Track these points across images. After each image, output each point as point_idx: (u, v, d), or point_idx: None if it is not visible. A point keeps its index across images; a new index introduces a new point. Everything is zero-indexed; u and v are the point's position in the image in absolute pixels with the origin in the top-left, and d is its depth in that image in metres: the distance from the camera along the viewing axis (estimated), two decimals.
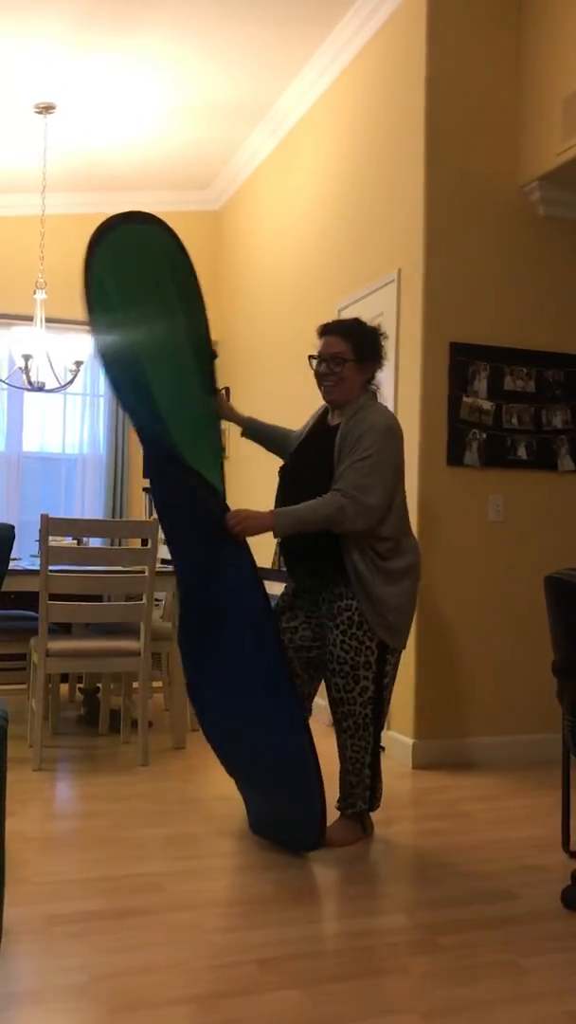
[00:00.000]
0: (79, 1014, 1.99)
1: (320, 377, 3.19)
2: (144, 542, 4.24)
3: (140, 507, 7.03)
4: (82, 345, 5.69)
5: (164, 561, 4.85)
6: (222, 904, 2.62)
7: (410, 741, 4.20)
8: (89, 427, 7.07)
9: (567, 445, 4.46)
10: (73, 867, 2.85)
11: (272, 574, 3.31)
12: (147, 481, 3.19)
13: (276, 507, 3.13)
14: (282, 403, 5.63)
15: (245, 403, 5.97)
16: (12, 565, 4.47)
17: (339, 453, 3.06)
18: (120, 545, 5.54)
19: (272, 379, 5.87)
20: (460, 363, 4.27)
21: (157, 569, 4.19)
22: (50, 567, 3.99)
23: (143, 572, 4.14)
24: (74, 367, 5.81)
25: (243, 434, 3.47)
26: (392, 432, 3.08)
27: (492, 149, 4.38)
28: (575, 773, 2.97)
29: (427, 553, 3.95)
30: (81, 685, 5.27)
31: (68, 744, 4.49)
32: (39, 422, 7.03)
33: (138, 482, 6.95)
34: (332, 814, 3.20)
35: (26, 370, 5.68)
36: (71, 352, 5.80)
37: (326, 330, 3.22)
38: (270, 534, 3.15)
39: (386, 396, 4.11)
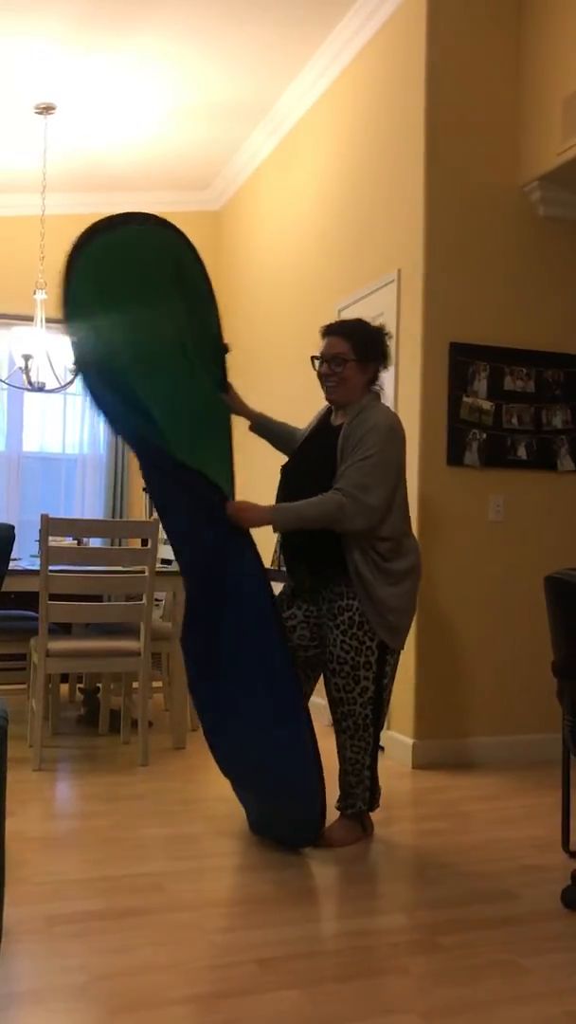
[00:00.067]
0: (79, 1014, 1.99)
1: (322, 377, 3.20)
2: (144, 542, 4.24)
3: (140, 507, 7.03)
4: None
5: (164, 561, 4.85)
6: (222, 904, 2.62)
7: (410, 741, 4.19)
8: (89, 427, 7.07)
9: (567, 445, 4.46)
10: (73, 867, 2.85)
11: (272, 574, 3.31)
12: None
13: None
14: (282, 403, 5.62)
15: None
16: (12, 565, 4.47)
17: (341, 453, 3.06)
18: (120, 545, 5.54)
19: (272, 379, 5.87)
20: (460, 363, 4.27)
21: (157, 569, 4.19)
22: (50, 567, 3.99)
23: (143, 572, 4.14)
24: (74, 367, 5.80)
25: (251, 428, 3.46)
26: (394, 432, 3.08)
27: (492, 149, 4.38)
28: (575, 773, 2.97)
29: (427, 553, 3.95)
30: (81, 685, 5.27)
31: (68, 744, 4.49)
32: (39, 422, 7.03)
33: (138, 482, 6.95)
34: (332, 814, 3.20)
35: (26, 370, 5.68)
36: (71, 352, 5.79)
37: (328, 330, 3.23)
38: (271, 534, 3.15)
39: (386, 396, 4.10)
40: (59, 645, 4.06)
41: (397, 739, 4.28)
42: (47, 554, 3.96)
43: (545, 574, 2.93)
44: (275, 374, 5.82)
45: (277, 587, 3.36)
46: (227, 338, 3.32)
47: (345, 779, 3.14)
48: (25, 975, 2.17)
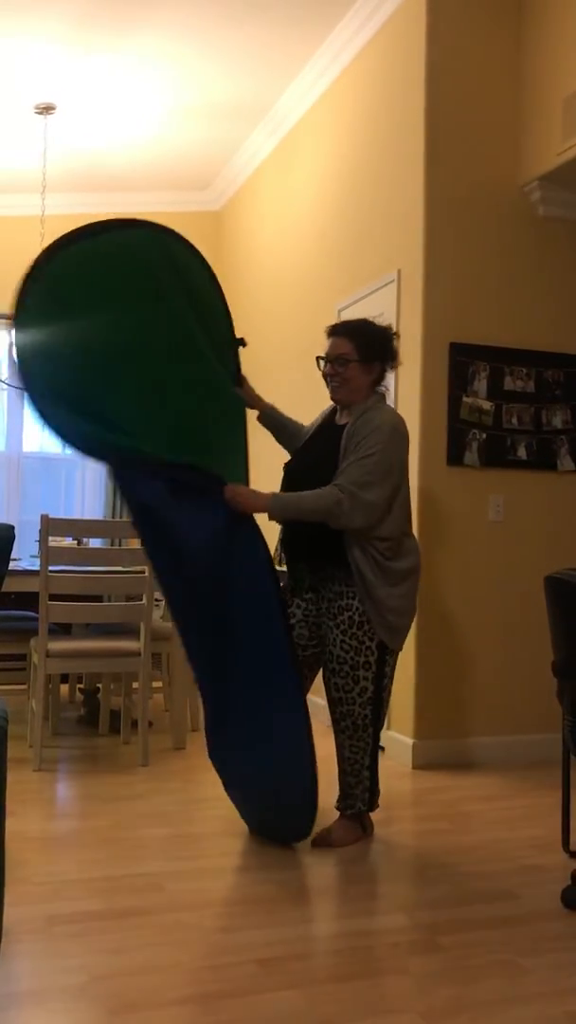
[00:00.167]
0: (79, 1014, 1.99)
1: (326, 378, 3.21)
2: None
3: None
4: None
5: None
6: (222, 904, 2.62)
7: (410, 741, 4.19)
8: None
9: (567, 445, 4.46)
10: (73, 867, 2.85)
11: None
12: None
13: None
14: (282, 403, 5.59)
15: None
16: (12, 565, 4.47)
17: (344, 451, 3.07)
18: (120, 545, 5.54)
19: (272, 379, 5.86)
20: (460, 363, 4.27)
21: None
22: (50, 567, 3.99)
23: (143, 572, 4.14)
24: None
25: (258, 418, 3.46)
26: (398, 433, 3.08)
27: (492, 149, 4.38)
28: (575, 773, 2.97)
29: (427, 553, 3.95)
30: (81, 685, 5.27)
31: (68, 744, 4.49)
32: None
33: None
34: (331, 814, 3.20)
35: None
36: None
37: (333, 331, 3.23)
38: (275, 530, 3.15)
39: (387, 396, 4.11)
40: (59, 645, 4.06)
41: (397, 739, 4.28)
42: (47, 554, 3.96)
43: (545, 574, 2.93)
44: (275, 374, 5.82)
45: None
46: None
47: (344, 779, 3.14)
48: (25, 975, 2.17)
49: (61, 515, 4.01)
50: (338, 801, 3.17)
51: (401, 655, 3.26)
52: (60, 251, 2.95)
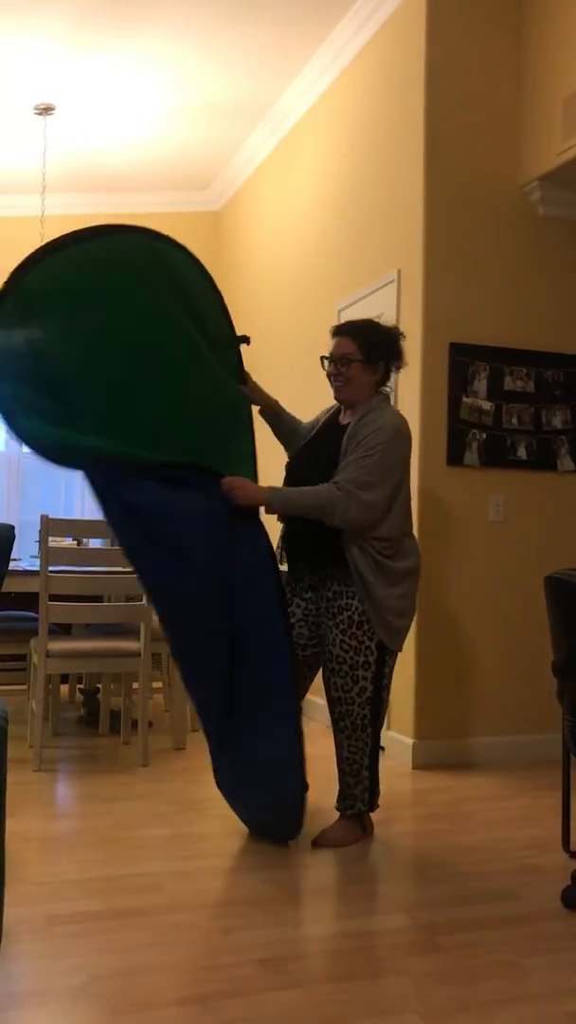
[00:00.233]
0: (79, 1014, 1.99)
1: (329, 377, 3.21)
2: None
3: None
4: None
5: None
6: (222, 904, 2.62)
7: (410, 741, 4.19)
8: None
9: (567, 445, 4.46)
10: (73, 867, 2.85)
11: None
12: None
13: None
14: (282, 403, 5.62)
15: None
16: (12, 566, 4.47)
17: (345, 451, 3.07)
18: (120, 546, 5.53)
19: (272, 379, 5.85)
20: (460, 363, 4.27)
21: None
22: (50, 568, 3.99)
23: None
24: None
25: (260, 411, 3.44)
26: (400, 434, 3.09)
27: (492, 149, 4.38)
28: (575, 773, 2.97)
29: (427, 553, 3.95)
30: (81, 686, 5.27)
31: (68, 745, 4.49)
32: None
33: None
34: (332, 814, 3.20)
35: None
36: None
37: (337, 331, 3.24)
38: (274, 535, 3.15)
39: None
40: (59, 646, 4.06)
41: (397, 739, 4.28)
42: (47, 555, 3.96)
43: (545, 574, 2.93)
44: (275, 374, 5.82)
45: None
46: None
47: (343, 779, 3.14)
48: (25, 975, 2.16)
49: (61, 515, 4.01)
50: (338, 801, 3.17)
51: (401, 655, 3.26)
52: (40, 261, 2.90)
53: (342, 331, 3.22)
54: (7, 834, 2.78)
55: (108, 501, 2.90)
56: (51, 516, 4.00)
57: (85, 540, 4.96)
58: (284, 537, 3.23)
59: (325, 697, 3.16)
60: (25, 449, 3.00)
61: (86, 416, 2.90)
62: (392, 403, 3.43)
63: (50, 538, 3.99)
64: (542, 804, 3.61)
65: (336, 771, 3.16)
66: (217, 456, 3.04)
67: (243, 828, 3.23)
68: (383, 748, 4.18)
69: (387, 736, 4.28)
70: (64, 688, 5.52)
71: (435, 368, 4.24)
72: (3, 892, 2.10)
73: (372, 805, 3.17)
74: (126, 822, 3.30)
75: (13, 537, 4.21)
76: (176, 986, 2.11)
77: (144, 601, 4.10)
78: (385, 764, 4.01)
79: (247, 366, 3.33)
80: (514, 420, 4.36)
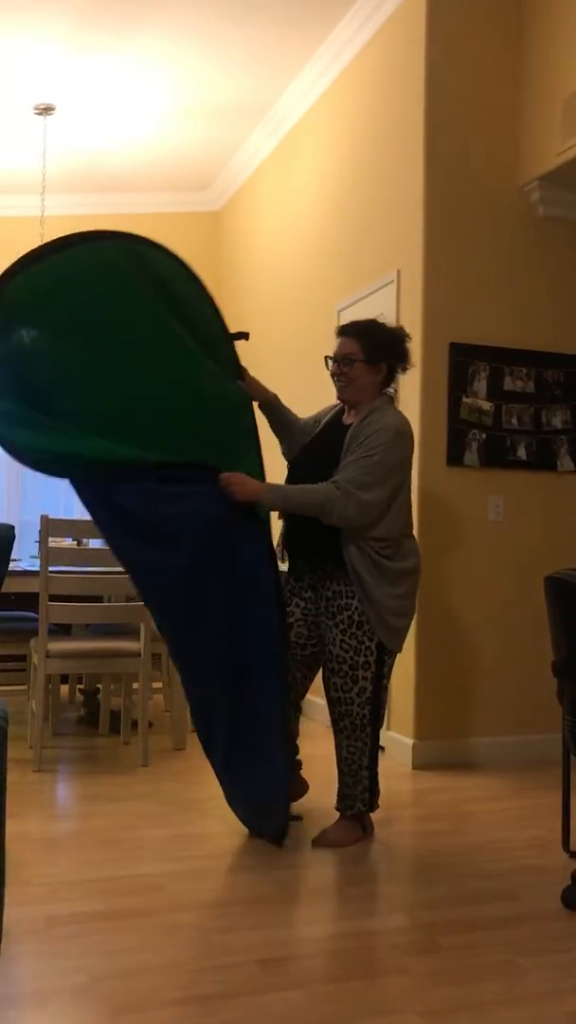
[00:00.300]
0: (79, 1015, 1.99)
1: (332, 377, 3.22)
2: None
3: None
4: None
5: None
6: (222, 905, 2.62)
7: (410, 741, 4.19)
8: None
9: (567, 445, 4.46)
10: (73, 868, 2.85)
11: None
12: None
13: None
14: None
15: None
16: (12, 566, 4.47)
17: (346, 451, 3.08)
18: None
19: (271, 379, 5.85)
20: (460, 363, 4.27)
21: None
22: (50, 568, 3.99)
23: None
24: None
25: (259, 406, 3.44)
26: (402, 435, 3.09)
27: (492, 149, 4.38)
28: (575, 773, 2.97)
29: (427, 553, 3.95)
30: (81, 686, 5.27)
31: (68, 745, 4.49)
32: None
33: None
34: (332, 815, 3.20)
35: None
36: None
37: (341, 331, 3.24)
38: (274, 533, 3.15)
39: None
40: (59, 646, 4.06)
41: (397, 739, 4.28)
42: (47, 555, 3.96)
43: (545, 574, 2.93)
44: (275, 374, 5.82)
45: None
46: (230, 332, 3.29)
47: (343, 779, 3.14)
48: (25, 976, 2.17)
49: (61, 515, 4.00)
50: (338, 801, 3.17)
51: (401, 655, 3.26)
52: (18, 274, 2.89)
53: (346, 331, 3.22)
54: (7, 835, 2.77)
55: (98, 509, 2.91)
56: (51, 516, 4.00)
57: (85, 540, 4.96)
58: (284, 535, 3.23)
59: (325, 697, 3.16)
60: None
61: (78, 416, 2.89)
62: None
63: (50, 538, 3.99)
64: (542, 804, 3.61)
65: (336, 771, 3.16)
66: (217, 454, 3.03)
67: (243, 828, 3.23)
68: (383, 748, 4.18)
69: (387, 736, 4.28)
70: (64, 688, 5.52)
71: (435, 368, 4.24)
72: (3, 893, 2.10)
73: (372, 805, 3.17)
74: (126, 822, 3.30)
75: (13, 537, 4.21)
76: (176, 986, 2.11)
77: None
78: (385, 764, 4.01)
79: (247, 366, 3.33)
80: (514, 420, 4.36)
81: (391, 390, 3.25)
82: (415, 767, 4.15)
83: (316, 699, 4.53)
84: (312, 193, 5.55)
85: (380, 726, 3.16)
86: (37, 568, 4.10)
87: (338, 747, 3.14)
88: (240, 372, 3.27)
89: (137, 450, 2.90)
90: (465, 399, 4.28)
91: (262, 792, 3.08)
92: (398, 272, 4.44)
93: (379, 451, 3.01)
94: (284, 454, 3.42)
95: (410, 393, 4.30)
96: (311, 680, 3.26)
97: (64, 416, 2.88)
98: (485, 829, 3.33)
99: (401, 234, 4.44)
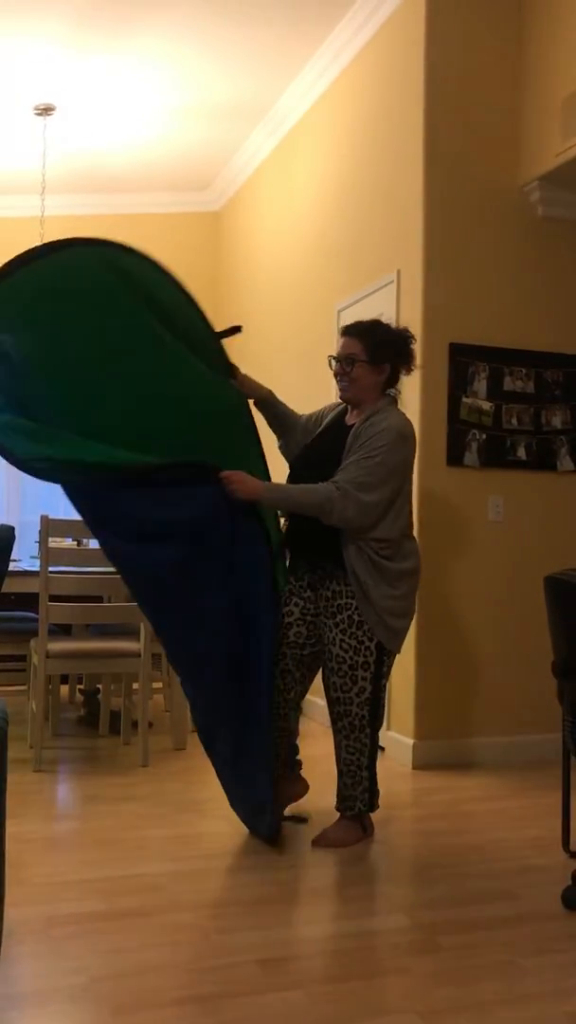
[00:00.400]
0: (80, 1015, 2.00)
1: (335, 377, 3.22)
2: None
3: None
4: None
5: None
6: (222, 904, 2.62)
7: (410, 741, 4.19)
8: None
9: (567, 445, 4.46)
10: (73, 868, 2.85)
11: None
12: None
13: None
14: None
15: None
16: (12, 566, 4.47)
17: (348, 451, 3.08)
18: None
19: (271, 379, 5.85)
20: (460, 363, 4.27)
21: None
22: (50, 568, 3.99)
23: None
24: None
25: (255, 403, 3.44)
26: (404, 437, 3.09)
27: (492, 149, 4.38)
28: (575, 773, 2.97)
29: (427, 554, 3.95)
30: (81, 686, 5.27)
31: (68, 745, 4.49)
32: None
33: None
34: (332, 815, 3.20)
35: None
36: None
37: (345, 331, 3.25)
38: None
39: None
40: (59, 646, 4.06)
41: (397, 739, 4.28)
42: (47, 555, 3.96)
43: (545, 574, 2.93)
44: (275, 373, 5.82)
45: None
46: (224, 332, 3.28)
47: (342, 780, 3.14)
48: (26, 977, 2.17)
49: (61, 516, 4.00)
50: (338, 802, 3.17)
51: (401, 655, 3.26)
52: None
53: (349, 331, 3.22)
54: (7, 835, 2.77)
55: (96, 512, 2.91)
56: (51, 516, 4.00)
57: (85, 540, 4.96)
58: (286, 534, 3.23)
59: (324, 697, 3.17)
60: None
61: (75, 421, 2.89)
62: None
63: (50, 538, 3.99)
64: (542, 804, 3.61)
65: (336, 771, 3.16)
66: (217, 454, 3.03)
67: (243, 828, 3.23)
68: (383, 748, 4.18)
69: (387, 736, 4.28)
70: (64, 688, 5.52)
71: (435, 368, 4.24)
72: (3, 893, 2.10)
73: (372, 805, 3.17)
74: (126, 823, 3.30)
75: (13, 537, 4.21)
76: (176, 986, 2.11)
77: None
78: (385, 764, 4.01)
79: (246, 366, 3.33)
80: (514, 420, 4.36)
81: (395, 391, 3.25)
82: (415, 767, 4.15)
83: (316, 699, 4.53)
84: (312, 193, 5.55)
85: (379, 726, 3.16)
86: (37, 568, 4.10)
87: (338, 747, 3.14)
88: (232, 370, 3.27)
89: (132, 451, 2.90)
90: (465, 399, 4.28)
91: (257, 792, 3.08)
92: (398, 272, 4.44)
93: (380, 452, 3.01)
94: (280, 449, 3.42)
95: (410, 393, 4.29)
96: (311, 680, 3.26)
97: (60, 423, 2.88)
98: (485, 829, 3.33)
99: (401, 234, 4.44)
